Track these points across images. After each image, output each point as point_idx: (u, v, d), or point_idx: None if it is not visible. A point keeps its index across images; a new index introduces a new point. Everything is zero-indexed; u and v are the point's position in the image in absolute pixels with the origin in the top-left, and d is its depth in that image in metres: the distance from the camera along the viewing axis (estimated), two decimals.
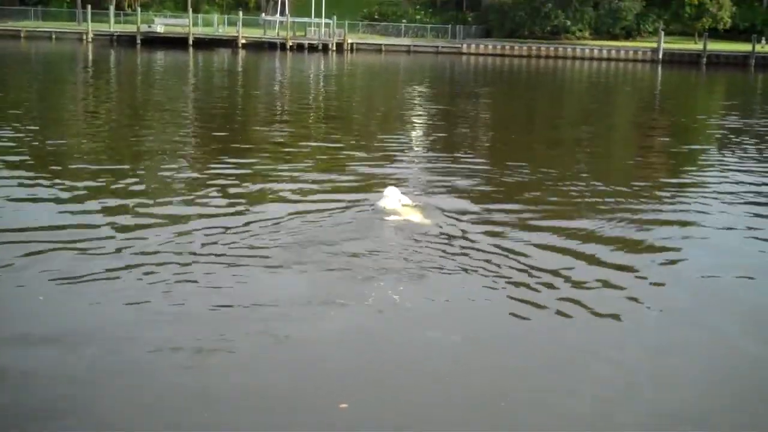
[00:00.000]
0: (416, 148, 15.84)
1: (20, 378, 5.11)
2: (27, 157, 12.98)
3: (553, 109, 28.79)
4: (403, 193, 9.52)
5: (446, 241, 8.26)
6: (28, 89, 27.41)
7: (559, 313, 6.59)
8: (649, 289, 7.31)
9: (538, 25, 69.49)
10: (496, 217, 9.61)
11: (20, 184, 10.61)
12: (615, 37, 70.14)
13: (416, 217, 9.07)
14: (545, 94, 35.37)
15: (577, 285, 7.26)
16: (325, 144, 16.01)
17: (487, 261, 7.73)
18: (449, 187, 11.29)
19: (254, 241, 8.07)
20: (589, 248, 8.39)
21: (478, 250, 8.04)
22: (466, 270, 7.47)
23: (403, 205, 9.24)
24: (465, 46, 67.86)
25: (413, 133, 18.37)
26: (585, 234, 8.94)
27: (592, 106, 30.22)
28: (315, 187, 10.98)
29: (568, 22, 70.07)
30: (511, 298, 6.86)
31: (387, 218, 8.95)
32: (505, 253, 7.97)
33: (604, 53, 64.98)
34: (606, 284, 7.35)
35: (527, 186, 11.89)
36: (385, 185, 10.06)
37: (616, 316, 6.61)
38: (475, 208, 9.96)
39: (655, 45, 63.63)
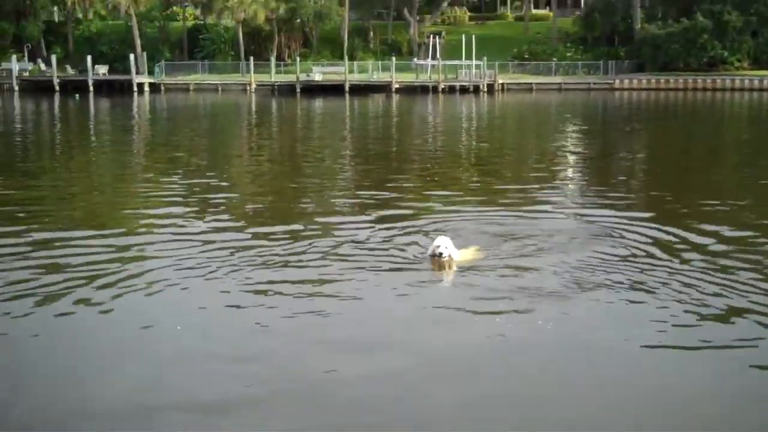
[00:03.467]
0: (567, 198, 16.00)
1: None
2: (203, 198, 14.21)
3: (713, 142, 28.28)
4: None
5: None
6: (197, 136, 29.57)
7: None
8: None
9: (693, 56, 67.75)
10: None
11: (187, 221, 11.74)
12: None
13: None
14: (703, 127, 34.69)
15: None
16: (472, 186, 16.61)
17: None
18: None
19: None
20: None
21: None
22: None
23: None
24: (617, 81, 67.15)
25: (566, 178, 18.61)
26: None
27: (749, 137, 29.48)
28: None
29: (726, 53, 68.04)
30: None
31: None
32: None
33: (765, 83, 62.64)
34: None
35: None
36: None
37: None
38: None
39: None
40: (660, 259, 9.67)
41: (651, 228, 11.32)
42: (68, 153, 24.72)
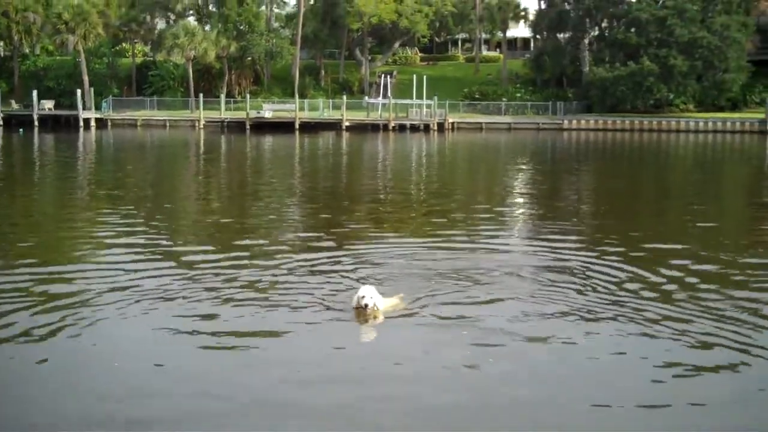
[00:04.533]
0: (515, 232, 15.95)
1: None
2: (151, 236, 13.76)
3: (660, 183, 28.50)
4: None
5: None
6: (142, 171, 28.96)
7: None
8: None
9: (640, 99, 68.92)
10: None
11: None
12: (721, 109, 68.87)
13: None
14: (650, 168, 35.03)
15: None
16: (425, 221, 16.36)
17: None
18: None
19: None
20: None
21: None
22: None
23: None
24: (566, 122, 67.90)
25: (515, 213, 18.52)
26: None
27: (697, 178, 29.80)
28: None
29: (671, 95, 69.38)
30: None
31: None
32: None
33: (710, 125, 63.77)
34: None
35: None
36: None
37: None
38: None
39: (763, 116, 62.31)
40: (600, 291, 9.87)
41: (592, 263, 11.26)
42: (9, 186, 23.96)
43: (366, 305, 8.89)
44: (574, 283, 10.20)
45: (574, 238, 14.09)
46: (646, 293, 9.75)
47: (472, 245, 13.08)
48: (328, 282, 10.40)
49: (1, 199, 20.61)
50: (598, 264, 11.35)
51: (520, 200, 20.73)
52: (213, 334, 8.17)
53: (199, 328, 8.34)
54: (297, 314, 8.96)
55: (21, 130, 59.33)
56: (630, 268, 10.98)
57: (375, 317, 8.88)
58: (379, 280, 10.35)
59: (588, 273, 10.76)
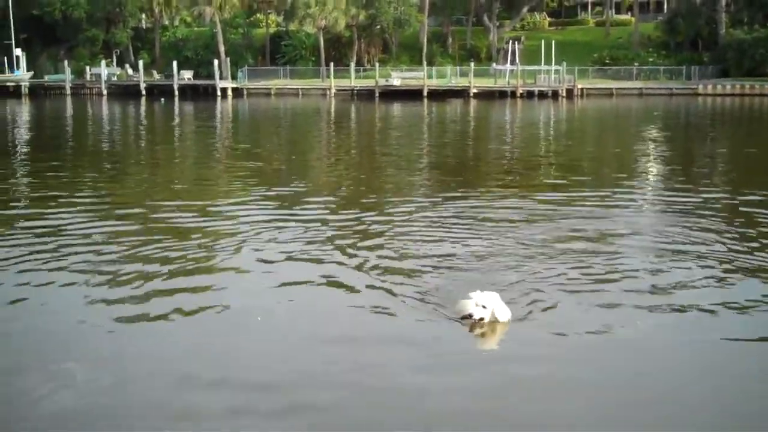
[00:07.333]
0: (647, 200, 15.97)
1: None
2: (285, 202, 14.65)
3: None
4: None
5: None
6: (280, 138, 30.28)
7: None
8: None
9: None
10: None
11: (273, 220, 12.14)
12: None
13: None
14: None
15: None
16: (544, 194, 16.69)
17: None
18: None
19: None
20: None
21: None
22: None
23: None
24: (701, 86, 65.91)
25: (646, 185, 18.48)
26: None
27: None
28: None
29: None
30: None
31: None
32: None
33: None
34: None
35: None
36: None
37: None
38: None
39: None
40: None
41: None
42: (154, 152, 25.59)
43: (482, 318, 6.79)
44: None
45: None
46: None
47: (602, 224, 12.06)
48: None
49: (146, 162, 22.11)
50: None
51: (654, 171, 20.65)
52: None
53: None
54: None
55: (162, 99, 62.35)
56: None
57: (493, 331, 6.84)
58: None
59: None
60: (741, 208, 13.45)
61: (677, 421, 5.53)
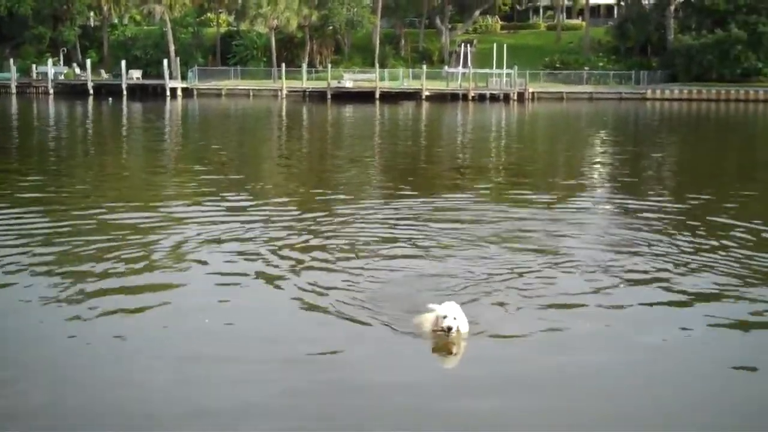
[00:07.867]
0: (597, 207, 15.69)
1: None
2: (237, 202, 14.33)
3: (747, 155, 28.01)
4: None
5: None
6: (229, 140, 29.84)
7: None
8: None
9: (727, 67, 67.29)
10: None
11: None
12: None
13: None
14: (739, 140, 34.39)
15: None
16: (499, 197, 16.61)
17: None
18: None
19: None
20: None
21: None
22: None
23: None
24: (649, 91, 66.77)
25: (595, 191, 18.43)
26: None
27: None
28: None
29: (760, 64, 67.48)
30: None
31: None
32: None
33: None
34: None
35: None
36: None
37: None
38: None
39: None
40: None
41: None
42: (100, 152, 25.03)
43: (449, 328, 6.70)
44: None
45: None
46: None
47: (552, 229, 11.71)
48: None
49: (91, 161, 21.61)
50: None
51: (602, 174, 20.70)
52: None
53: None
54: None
55: (110, 99, 61.31)
56: None
57: (457, 343, 6.79)
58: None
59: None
60: (687, 210, 13.68)
61: (631, 419, 5.61)
